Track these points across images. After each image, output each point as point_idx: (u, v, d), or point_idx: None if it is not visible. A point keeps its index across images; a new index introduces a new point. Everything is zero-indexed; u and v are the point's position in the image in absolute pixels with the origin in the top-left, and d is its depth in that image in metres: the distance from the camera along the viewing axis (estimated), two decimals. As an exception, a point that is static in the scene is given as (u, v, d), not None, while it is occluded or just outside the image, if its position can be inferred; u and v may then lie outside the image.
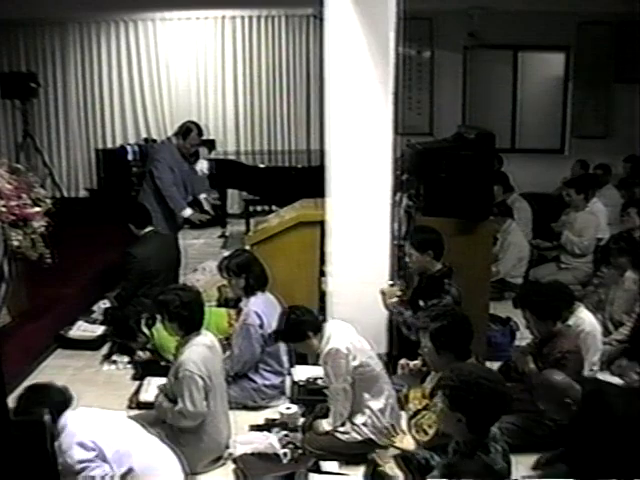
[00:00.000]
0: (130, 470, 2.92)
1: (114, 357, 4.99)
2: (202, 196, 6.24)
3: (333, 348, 3.63)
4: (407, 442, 3.70)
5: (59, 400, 2.94)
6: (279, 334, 3.85)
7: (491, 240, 5.25)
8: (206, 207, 6.27)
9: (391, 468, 3.12)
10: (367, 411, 3.70)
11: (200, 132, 6.02)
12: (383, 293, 4.25)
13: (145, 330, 4.83)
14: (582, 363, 3.84)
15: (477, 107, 8.79)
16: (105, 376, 4.82)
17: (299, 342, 3.78)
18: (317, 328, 3.73)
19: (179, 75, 9.20)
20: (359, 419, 3.70)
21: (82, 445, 2.86)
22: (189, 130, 5.96)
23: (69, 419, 2.90)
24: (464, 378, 2.58)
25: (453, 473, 2.58)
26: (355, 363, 3.64)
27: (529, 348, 4.00)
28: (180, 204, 5.83)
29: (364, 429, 3.68)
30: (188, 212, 5.88)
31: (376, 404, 3.69)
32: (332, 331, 3.73)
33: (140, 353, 4.88)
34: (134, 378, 4.68)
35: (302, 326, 3.70)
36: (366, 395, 3.69)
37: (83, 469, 2.84)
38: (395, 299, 4.23)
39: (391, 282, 4.52)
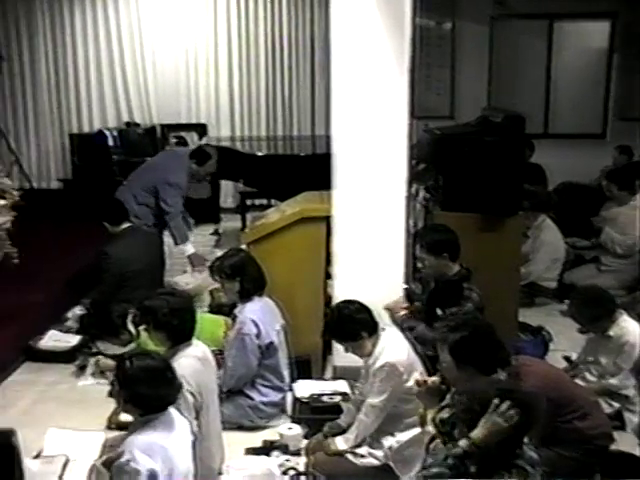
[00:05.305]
0: None
1: (91, 370, 5.03)
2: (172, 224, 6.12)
3: (388, 363, 3.66)
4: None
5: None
6: (328, 329, 3.88)
7: (520, 238, 5.27)
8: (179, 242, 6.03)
9: None
10: (398, 436, 3.72)
11: (218, 158, 6.18)
12: (389, 309, 4.28)
13: (131, 329, 4.82)
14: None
15: (505, 86, 8.78)
16: (80, 392, 4.85)
17: (350, 342, 3.78)
18: (373, 329, 3.75)
19: (166, 51, 9.18)
20: (385, 441, 3.72)
21: None
22: (207, 157, 6.13)
23: None
24: (482, 396, 2.59)
25: None
26: (410, 384, 3.62)
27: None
28: (184, 236, 6.00)
29: (387, 454, 3.70)
30: (190, 250, 6.03)
31: (411, 432, 3.67)
32: (387, 342, 3.75)
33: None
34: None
35: (356, 324, 3.72)
36: (405, 420, 3.71)
37: None
38: (402, 312, 4.23)
39: (406, 286, 4.55)
